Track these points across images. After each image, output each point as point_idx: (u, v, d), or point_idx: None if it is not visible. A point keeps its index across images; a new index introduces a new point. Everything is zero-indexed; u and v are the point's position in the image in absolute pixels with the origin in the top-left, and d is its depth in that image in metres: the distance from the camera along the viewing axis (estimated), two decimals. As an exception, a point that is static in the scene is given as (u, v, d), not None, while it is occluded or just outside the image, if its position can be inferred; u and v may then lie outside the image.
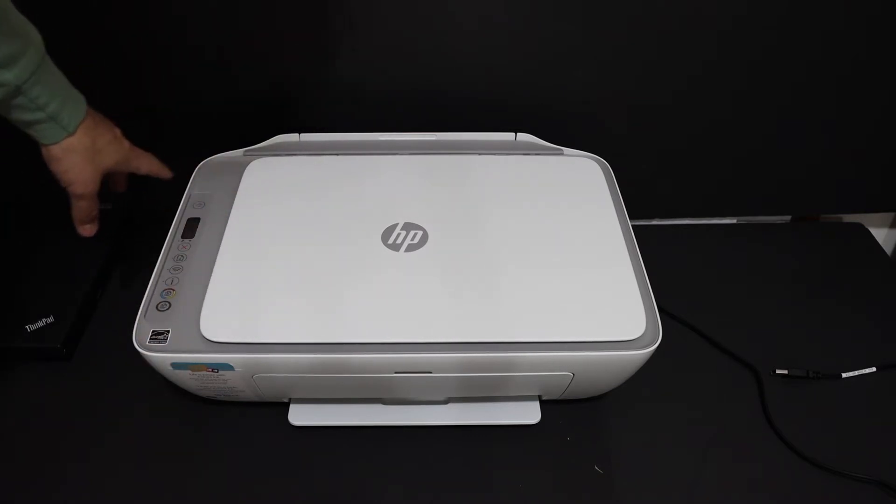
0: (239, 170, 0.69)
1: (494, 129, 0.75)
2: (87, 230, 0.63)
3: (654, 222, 0.90)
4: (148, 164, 0.65)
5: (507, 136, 0.75)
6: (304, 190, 0.67)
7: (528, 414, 0.65)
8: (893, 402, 0.69)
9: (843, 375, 0.71)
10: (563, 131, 0.75)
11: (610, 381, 0.62)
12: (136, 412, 0.66)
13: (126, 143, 0.61)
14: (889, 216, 0.95)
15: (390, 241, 0.61)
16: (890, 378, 0.71)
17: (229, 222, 0.63)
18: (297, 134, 0.74)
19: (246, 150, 0.73)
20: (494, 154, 0.72)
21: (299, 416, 0.64)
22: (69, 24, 0.69)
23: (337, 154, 0.71)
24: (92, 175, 0.58)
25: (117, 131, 0.60)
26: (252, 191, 0.67)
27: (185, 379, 0.58)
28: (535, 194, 0.67)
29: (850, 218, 0.93)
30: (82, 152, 0.56)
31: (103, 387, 0.68)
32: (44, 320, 0.70)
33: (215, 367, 0.56)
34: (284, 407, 0.65)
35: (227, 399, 0.62)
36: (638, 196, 0.72)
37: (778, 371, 0.71)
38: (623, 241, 0.63)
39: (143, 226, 0.84)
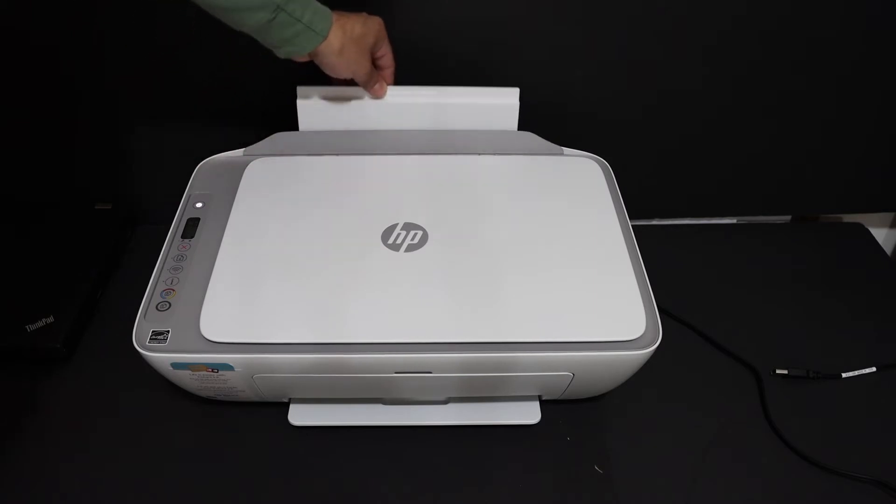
0: (239, 170, 0.69)
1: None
2: (377, 90, 0.69)
3: (654, 222, 0.90)
4: (388, 52, 0.68)
5: (507, 136, 0.75)
6: (304, 190, 0.67)
7: (528, 414, 0.65)
8: (893, 402, 0.69)
9: (843, 375, 0.71)
10: (563, 131, 0.74)
11: (610, 381, 0.62)
12: (135, 412, 0.66)
13: (376, 18, 0.64)
14: (889, 216, 0.95)
15: (390, 241, 0.61)
16: (890, 378, 0.71)
17: (229, 222, 0.63)
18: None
19: (246, 150, 0.73)
20: (494, 154, 0.72)
21: (299, 416, 0.64)
22: (70, 24, 0.69)
23: (337, 154, 0.71)
24: (363, 59, 0.63)
25: (363, 14, 0.63)
26: (252, 191, 0.67)
27: (185, 379, 0.58)
28: (535, 194, 0.67)
29: (850, 218, 0.93)
30: (348, 45, 0.61)
31: (103, 387, 0.68)
32: (44, 320, 0.70)
33: (215, 367, 0.56)
34: (284, 407, 0.65)
35: (227, 399, 0.62)
36: (638, 196, 0.72)
37: (778, 371, 0.71)
38: (623, 241, 0.63)
39: (143, 226, 0.85)
